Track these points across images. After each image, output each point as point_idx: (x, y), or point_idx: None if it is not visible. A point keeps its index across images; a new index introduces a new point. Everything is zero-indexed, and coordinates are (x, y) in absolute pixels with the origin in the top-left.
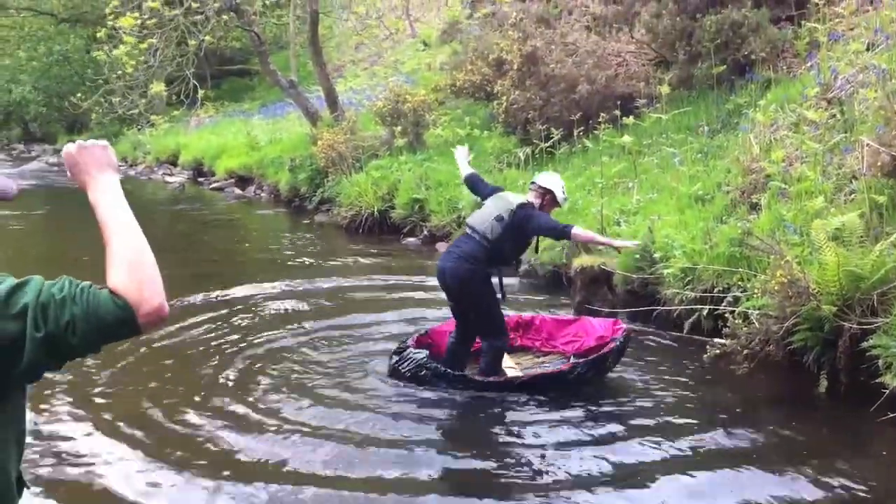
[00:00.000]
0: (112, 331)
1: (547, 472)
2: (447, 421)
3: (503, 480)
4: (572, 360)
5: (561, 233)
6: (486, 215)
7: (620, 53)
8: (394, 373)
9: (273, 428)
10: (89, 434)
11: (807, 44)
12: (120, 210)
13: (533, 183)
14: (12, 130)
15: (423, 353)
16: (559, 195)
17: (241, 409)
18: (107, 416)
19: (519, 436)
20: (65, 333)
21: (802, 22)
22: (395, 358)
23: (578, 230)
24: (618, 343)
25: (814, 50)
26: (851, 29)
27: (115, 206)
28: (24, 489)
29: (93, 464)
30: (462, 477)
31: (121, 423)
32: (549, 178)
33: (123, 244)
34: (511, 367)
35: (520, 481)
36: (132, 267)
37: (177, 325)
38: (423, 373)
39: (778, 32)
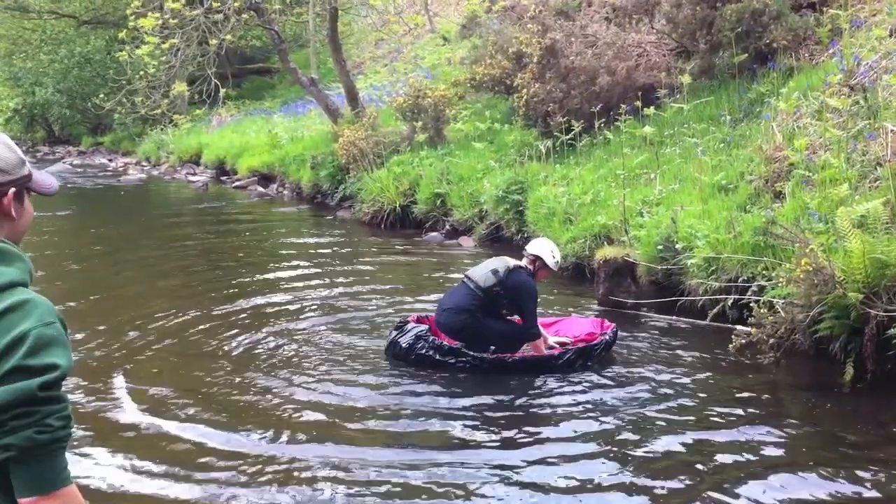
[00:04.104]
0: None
1: (557, 457)
2: (451, 403)
3: (511, 463)
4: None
5: (531, 330)
6: (483, 267)
7: (641, 44)
8: (391, 346)
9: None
10: (113, 431)
11: (829, 31)
12: None
13: (525, 250)
14: (36, 132)
15: (423, 327)
16: (549, 260)
17: (260, 398)
18: (126, 410)
19: (531, 417)
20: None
21: (824, 9)
22: (395, 332)
23: (540, 342)
24: (607, 337)
25: (836, 37)
26: (874, 15)
27: None
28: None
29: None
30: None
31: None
32: (539, 245)
33: None
34: None
35: (529, 461)
36: None
37: (204, 320)
38: (419, 344)
39: (799, 20)
